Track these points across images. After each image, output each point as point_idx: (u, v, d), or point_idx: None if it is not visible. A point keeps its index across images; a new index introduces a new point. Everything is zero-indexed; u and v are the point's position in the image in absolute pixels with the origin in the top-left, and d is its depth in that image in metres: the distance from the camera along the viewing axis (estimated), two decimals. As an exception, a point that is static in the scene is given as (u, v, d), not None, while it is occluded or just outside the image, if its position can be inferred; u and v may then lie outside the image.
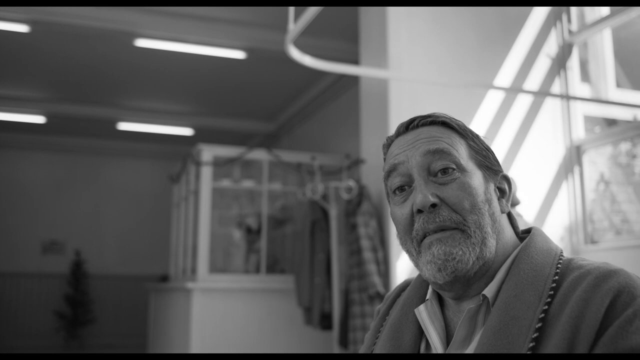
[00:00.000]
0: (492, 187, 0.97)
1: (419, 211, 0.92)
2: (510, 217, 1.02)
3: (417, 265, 0.95)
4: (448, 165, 0.92)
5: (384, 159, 1.02)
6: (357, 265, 3.89)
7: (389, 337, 1.01)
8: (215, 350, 4.67)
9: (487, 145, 1.00)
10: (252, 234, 5.38)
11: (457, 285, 0.92)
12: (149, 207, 9.74)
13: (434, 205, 0.90)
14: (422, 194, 0.91)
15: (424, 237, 0.92)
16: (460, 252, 0.89)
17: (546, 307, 0.84)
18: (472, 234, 0.90)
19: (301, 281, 4.57)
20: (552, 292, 0.86)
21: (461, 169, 0.93)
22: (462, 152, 0.95)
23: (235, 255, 5.39)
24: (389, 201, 1.00)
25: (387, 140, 1.02)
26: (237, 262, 5.35)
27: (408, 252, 0.97)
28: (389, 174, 0.97)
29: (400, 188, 0.96)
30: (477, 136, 1.00)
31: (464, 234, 0.90)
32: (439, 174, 0.93)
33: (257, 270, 5.19)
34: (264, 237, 5.18)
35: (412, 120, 0.99)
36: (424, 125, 0.98)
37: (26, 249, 9.25)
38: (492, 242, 0.92)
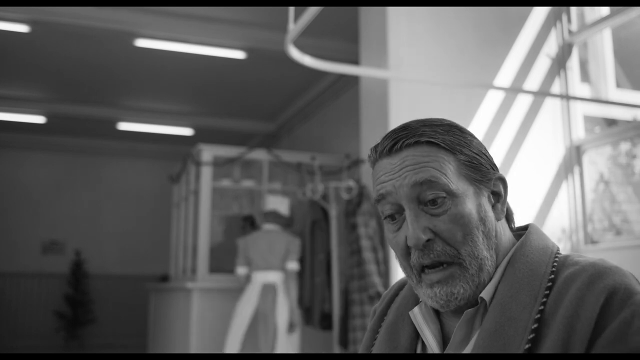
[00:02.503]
0: (485, 199, 0.95)
1: None
2: (507, 214, 1.01)
3: (416, 289, 0.96)
4: (438, 195, 0.90)
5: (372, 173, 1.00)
6: (357, 265, 3.89)
7: (385, 339, 1.01)
8: (215, 350, 4.67)
9: (479, 149, 0.96)
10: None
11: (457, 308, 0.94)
12: (149, 207, 9.74)
13: (427, 240, 0.90)
14: (414, 232, 0.89)
15: (422, 269, 0.92)
16: (462, 290, 0.90)
17: (542, 307, 0.84)
18: (468, 266, 0.90)
19: (301, 281, 4.57)
20: (547, 292, 0.85)
21: (452, 194, 0.90)
22: (451, 174, 0.91)
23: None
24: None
25: (372, 154, 0.98)
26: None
27: (408, 277, 0.96)
28: (378, 201, 0.96)
29: (392, 216, 0.94)
30: (467, 144, 0.95)
31: (461, 267, 0.90)
32: (429, 204, 0.91)
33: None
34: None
35: (395, 142, 0.94)
36: (408, 146, 0.93)
37: (26, 249, 9.25)
38: (489, 263, 0.92)
